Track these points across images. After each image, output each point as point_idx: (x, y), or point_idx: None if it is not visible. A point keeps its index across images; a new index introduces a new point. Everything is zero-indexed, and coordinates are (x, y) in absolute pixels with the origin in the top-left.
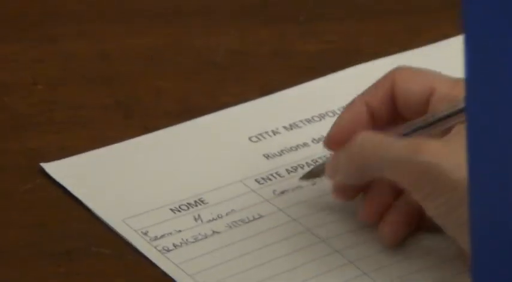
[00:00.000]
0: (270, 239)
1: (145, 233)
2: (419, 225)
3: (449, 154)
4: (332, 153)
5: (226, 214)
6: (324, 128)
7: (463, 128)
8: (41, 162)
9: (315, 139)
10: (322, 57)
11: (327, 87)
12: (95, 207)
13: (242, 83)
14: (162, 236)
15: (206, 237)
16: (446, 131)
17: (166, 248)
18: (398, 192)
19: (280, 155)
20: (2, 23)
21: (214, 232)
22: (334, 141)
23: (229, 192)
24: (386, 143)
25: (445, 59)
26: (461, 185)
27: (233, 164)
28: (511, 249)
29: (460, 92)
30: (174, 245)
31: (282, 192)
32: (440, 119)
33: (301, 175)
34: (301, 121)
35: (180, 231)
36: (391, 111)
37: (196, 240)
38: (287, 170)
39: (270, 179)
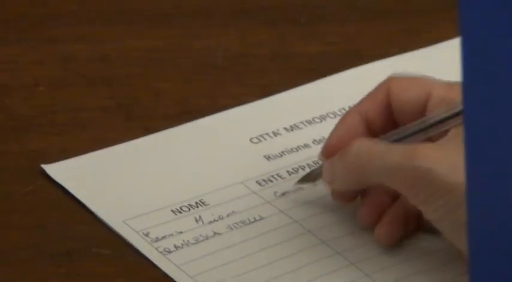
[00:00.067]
0: (271, 240)
1: (147, 234)
2: (418, 226)
3: (445, 158)
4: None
5: (227, 215)
6: (324, 129)
7: (459, 130)
8: (41, 163)
9: (315, 140)
10: (323, 59)
11: (327, 89)
12: (96, 209)
13: (242, 85)
14: (163, 237)
15: (207, 238)
16: (443, 134)
17: (167, 249)
18: (396, 194)
19: (281, 156)
20: (2, 24)
21: (215, 233)
22: (330, 153)
23: (230, 194)
24: (382, 151)
25: (445, 60)
26: (458, 188)
27: (234, 166)
28: (508, 251)
29: (456, 95)
30: (175, 246)
31: (283, 194)
32: (436, 123)
33: (300, 178)
34: (301, 122)
35: (181, 232)
36: (387, 120)
37: (197, 241)
38: (288, 171)
39: (270, 181)
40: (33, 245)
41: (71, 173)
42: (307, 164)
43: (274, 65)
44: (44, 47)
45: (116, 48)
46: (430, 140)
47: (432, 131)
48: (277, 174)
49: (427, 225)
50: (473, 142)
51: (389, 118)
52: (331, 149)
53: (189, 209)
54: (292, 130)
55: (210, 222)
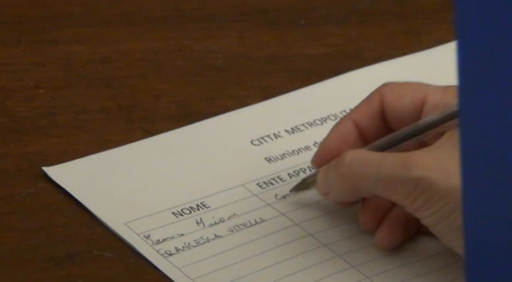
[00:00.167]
0: (271, 243)
1: (148, 237)
2: (419, 229)
3: (439, 163)
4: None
5: (228, 218)
6: (325, 131)
7: (453, 134)
8: (42, 166)
9: (316, 143)
10: (323, 61)
11: (328, 91)
12: (97, 211)
13: (242, 87)
14: (164, 240)
15: (208, 241)
16: (437, 137)
17: (168, 252)
18: None
19: (282, 158)
20: (2, 26)
21: (216, 236)
22: (322, 161)
23: (231, 196)
24: (375, 161)
25: (445, 62)
26: (452, 192)
27: (235, 168)
28: (504, 253)
29: (451, 99)
30: (176, 249)
31: (284, 197)
32: (429, 126)
33: (295, 186)
34: (303, 125)
35: (182, 235)
36: (380, 127)
37: (198, 244)
38: (289, 174)
39: (271, 183)
40: (34, 248)
41: (71, 175)
42: (308, 167)
43: (274, 66)
44: (44, 48)
45: (117, 50)
46: (424, 143)
47: (425, 135)
48: (278, 177)
49: (427, 229)
50: (468, 144)
51: (383, 126)
52: (324, 157)
53: (190, 212)
54: (293, 132)
55: (211, 224)
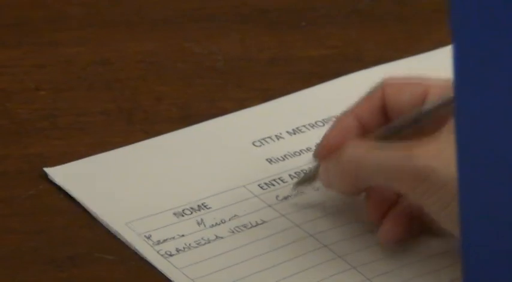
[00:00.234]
0: (272, 244)
1: (149, 237)
2: (423, 225)
3: (439, 152)
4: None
5: (229, 219)
6: None
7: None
8: (43, 168)
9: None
10: (324, 63)
11: (330, 92)
12: (98, 211)
13: (243, 89)
14: (165, 240)
15: (209, 242)
16: (436, 128)
17: (169, 253)
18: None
19: (284, 159)
20: (2, 28)
21: (217, 237)
22: (324, 154)
23: (232, 197)
24: (376, 152)
25: (446, 64)
26: (453, 181)
27: (236, 169)
28: (501, 244)
29: (452, 92)
30: (177, 250)
31: (285, 198)
32: (428, 113)
33: (297, 181)
34: (304, 126)
35: (183, 235)
36: (382, 122)
37: (199, 245)
38: (290, 175)
39: (273, 184)
40: (34, 250)
41: (73, 176)
42: (309, 168)
43: (274, 68)
44: (44, 50)
45: (117, 51)
46: (425, 133)
47: (426, 122)
48: (279, 178)
49: (430, 226)
50: (464, 144)
51: (384, 120)
52: (325, 150)
53: (191, 212)
54: (295, 134)
55: (212, 225)
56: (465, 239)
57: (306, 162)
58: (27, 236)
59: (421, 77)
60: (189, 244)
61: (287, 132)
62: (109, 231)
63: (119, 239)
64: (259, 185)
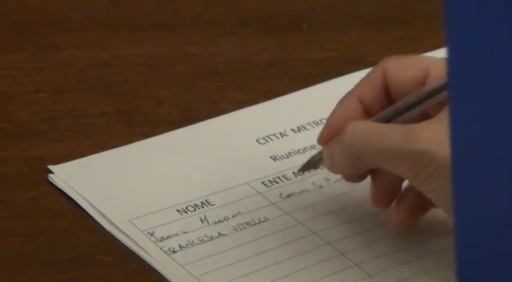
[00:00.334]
0: (275, 242)
1: (152, 234)
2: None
3: (441, 136)
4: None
5: (233, 216)
6: None
7: None
8: (43, 170)
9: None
10: (324, 65)
11: (334, 90)
12: (101, 208)
13: (243, 91)
14: (168, 237)
15: (212, 239)
16: (439, 109)
17: (172, 249)
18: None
19: (288, 157)
20: (3, 31)
21: (220, 234)
22: (329, 137)
23: (235, 195)
24: (379, 133)
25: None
26: None
27: (240, 166)
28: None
29: None
30: (180, 246)
31: (289, 196)
32: (430, 94)
33: (302, 166)
34: (309, 123)
35: (186, 232)
36: (384, 102)
37: (202, 241)
38: (294, 172)
39: (276, 182)
40: (35, 252)
41: (75, 174)
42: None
43: (275, 71)
44: (44, 53)
45: (117, 54)
46: (427, 115)
47: (428, 103)
48: (283, 176)
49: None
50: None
51: (387, 100)
52: (329, 134)
53: (195, 209)
54: (299, 131)
55: (215, 222)
56: (459, 238)
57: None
58: (27, 239)
59: (420, 56)
60: (192, 241)
61: (291, 129)
62: (109, 233)
63: (119, 240)
64: (262, 182)
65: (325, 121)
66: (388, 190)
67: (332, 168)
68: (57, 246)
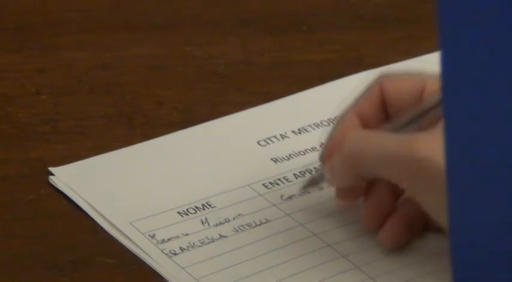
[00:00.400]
0: (276, 243)
1: (153, 236)
2: (424, 228)
3: (439, 146)
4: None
5: (234, 218)
6: None
7: None
8: (44, 172)
9: (323, 144)
10: (325, 67)
11: (334, 92)
12: (102, 210)
13: (244, 93)
14: (169, 239)
15: (213, 241)
16: (434, 123)
17: (173, 251)
18: (398, 195)
19: (289, 159)
20: (3, 32)
21: (221, 236)
22: (329, 156)
23: (236, 196)
24: (378, 141)
25: None
26: None
27: (241, 168)
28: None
29: None
30: (181, 249)
31: (290, 197)
32: (426, 111)
33: (304, 183)
34: (309, 125)
35: (187, 234)
36: (382, 117)
37: (203, 244)
38: (295, 174)
39: (277, 184)
40: (36, 254)
41: (75, 176)
42: (314, 168)
43: (276, 72)
44: (45, 55)
45: (118, 56)
46: (423, 129)
47: (424, 119)
48: (284, 178)
49: (432, 226)
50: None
51: (384, 116)
52: (331, 153)
53: (196, 211)
54: (300, 133)
55: (216, 224)
56: (454, 241)
57: (311, 161)
58: (28, 241)
59: (416, 71)
60: (193, 243)
61: (292, 131)
62: (110, 235)
63: (120, 242)
64: (263, 184)
65: (325, 123)
66: (381, 210)
67: (331, 181)
68: (57, 248)
